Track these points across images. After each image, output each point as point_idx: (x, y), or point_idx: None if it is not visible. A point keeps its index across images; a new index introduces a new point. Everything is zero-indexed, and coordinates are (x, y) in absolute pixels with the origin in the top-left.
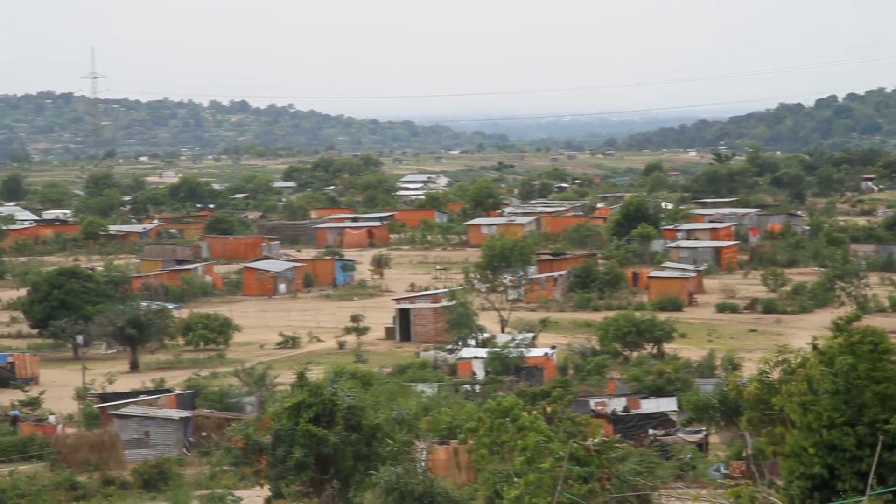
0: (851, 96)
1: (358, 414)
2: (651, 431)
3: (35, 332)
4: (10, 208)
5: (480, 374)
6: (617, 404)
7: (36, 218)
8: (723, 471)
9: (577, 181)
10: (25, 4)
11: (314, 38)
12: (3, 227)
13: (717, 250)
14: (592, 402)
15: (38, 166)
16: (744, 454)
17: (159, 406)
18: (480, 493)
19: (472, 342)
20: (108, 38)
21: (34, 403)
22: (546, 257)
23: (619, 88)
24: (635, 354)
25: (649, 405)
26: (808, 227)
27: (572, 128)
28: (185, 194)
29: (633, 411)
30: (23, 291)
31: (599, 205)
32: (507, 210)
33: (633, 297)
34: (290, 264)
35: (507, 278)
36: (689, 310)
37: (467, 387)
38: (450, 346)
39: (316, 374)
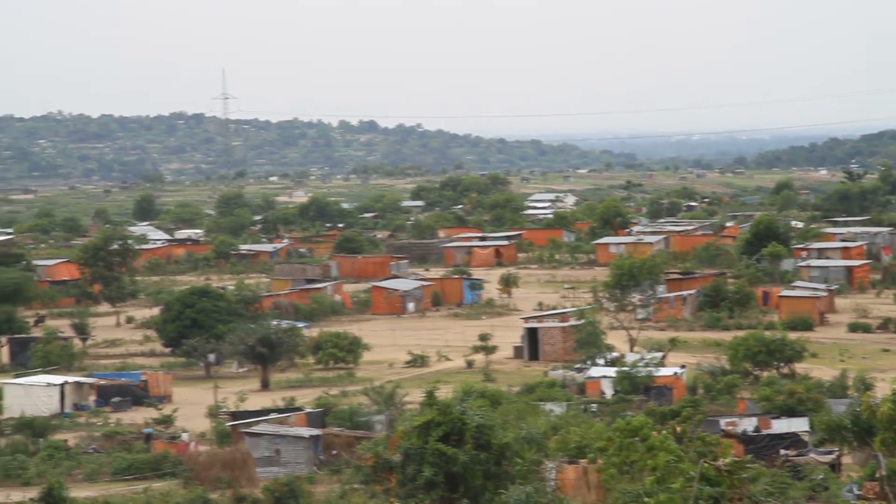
0: None
1: (487, 433)
2: (783, 452)
3: (168, 350)
4: (143, 228)
5: (609, 394)
6: (747, 424)
7: (168, 237)
8: (856, 492)
9: (706, 200)
10: (158, 28)
11: (442, 61)
12: (137, 247)
13: (849, 269)
14: (722, 422)
15: (170, 186)
16: (877, 475)
17: (290, 424)
18: None
19: (601, 361)
20: (239, 59)
21: (167, 421)
22: (675, 276)
23: (748, 107)
24: (766, 374)
25: (780, 425)
26: None
27: (701, 146)
28: (314, 213)
29: (764, 431)
30: (155, 310)
31: (729, 223)
32: (635, 229)
33: (763, 317)
34: (419, 283)
35: (635, 297)
36: (820, 329)
37: (594, 406)
38: (578, 365)
39: (444, 392)
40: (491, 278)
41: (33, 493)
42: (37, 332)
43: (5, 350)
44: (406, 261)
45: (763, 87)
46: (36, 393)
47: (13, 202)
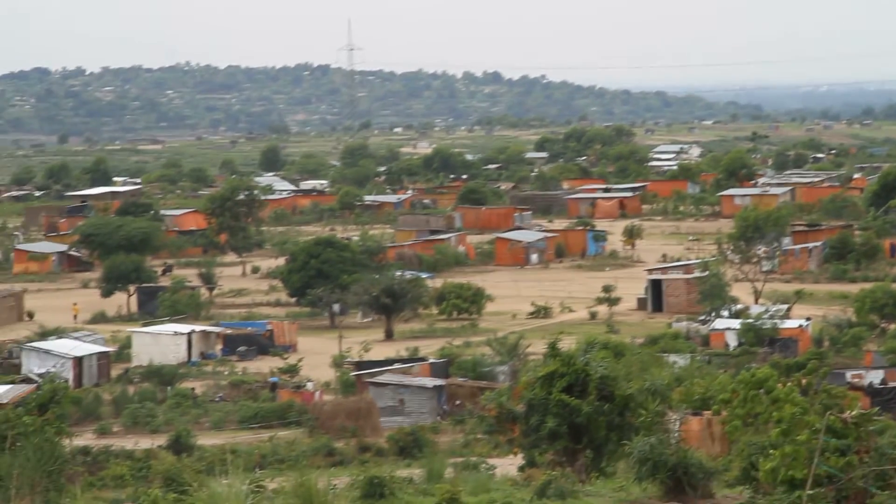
0: None
1: (610, 384)
2: None
3: (293, 300)
4: (268, 178)
5: (733, 345)
6: (874, 377)
7: (294, 188)
8: None
9: (832, 151)
10: None
11: (566, 11)
12: (263, 198)
13: None
14: (848, 375)
15: (295, 137)
16: None
17: (414, 374)
18: (735, 464)
19: (725, 313)
20: (364, 10)
21: (292, 371)
22: (801, 228)
23: (877, 57)
24: (892, 326)
25: None
26: None
27: (828, 97)
28: (438, 165)
29: (891, 384)
30: (281, 260)
31: (856, 175)
32: (761, 181)
33: (890, 269)
34: (542, 235)
35: (760, 249)
36: None
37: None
38: (702, 317)
39: (568, 343)
40: (614, 230)
41: (161, 440)
42: (164, 282)
43: (134, 299)
44: (529, 212)
45: (893, 36)
46: (164, 342)
47: (141, 152)
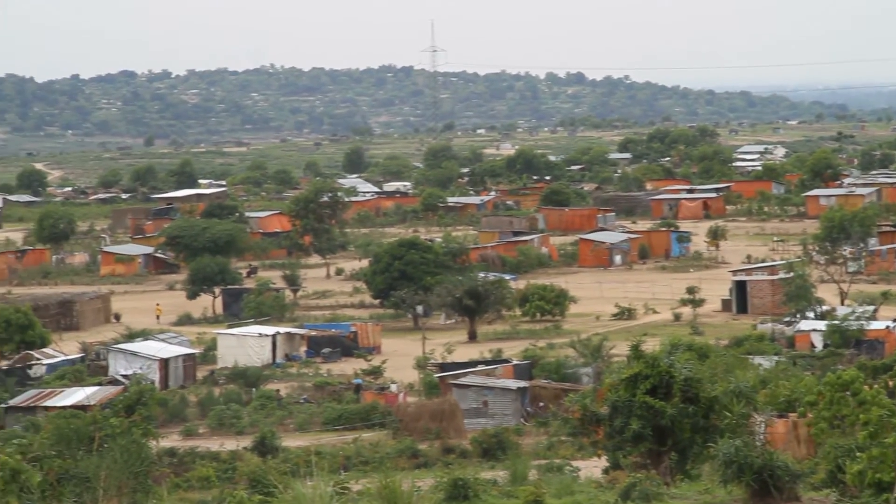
0: None
1: (695, 386)
2: None
3: (377, 302)
4: (352, 180)
5: (819, 347)
6: None
7: (377, 190)
8: None
9: None
10: None
11: (649, 12)
12: (346, 199)
13: None
14: None
15: (379, 139)
16: None
17: (497, 376)
18: (821, 467)
19: (811, 314)
20: (447, 11)
21: (376, 372)
22: (887, 229)
23: None
24: None
25: None
26: None
27: None
28: (521, 166)
29: None
30: (364, 262)
31: None
32: (846, 181)
33: None
34: (626, 236)
35: (846, 250)
36: None
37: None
38: (787, 319)
39: (651, 345)
40: (698, 231)
41: (247, 441)
42: (249, 284)
43: (219, 301)
44: (613, 213)
45: None
46: (249, 343)
47: (226, 155)
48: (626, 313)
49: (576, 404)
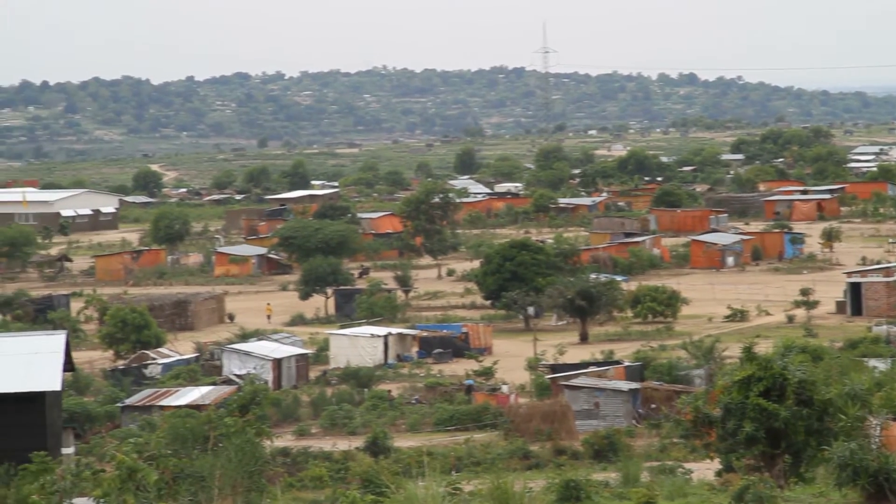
0: None
1: (809, 388)
2: None
3: (488, 303)
4: (463, 181)
5: None
6: None
7: (488, 191)
8: None
9: None
10: None
11: (761, 11)
12: (458, 200)
13: None
14: None
15: (490, 140)
16: None
17: (609, 377)
18: None
19: None
20: (559, 12)
21: (487, 373)
22: None
23: None
24: None
25: None
26: None
27: None
28: (633, 167)
29: None
30: (476, 263)
31: None
32: None
33: None
34: (738, 237)
35: None
36: None
37: None
38: None
39: (764, 347)
40: (812, 232)
41: (359, 441)
42: (361, 284)
43: (331, 301)
44: (725, 214)
45: None
46: (361, 344)
47: (339, 156)
48: (738, 315)
49: (688, 406)
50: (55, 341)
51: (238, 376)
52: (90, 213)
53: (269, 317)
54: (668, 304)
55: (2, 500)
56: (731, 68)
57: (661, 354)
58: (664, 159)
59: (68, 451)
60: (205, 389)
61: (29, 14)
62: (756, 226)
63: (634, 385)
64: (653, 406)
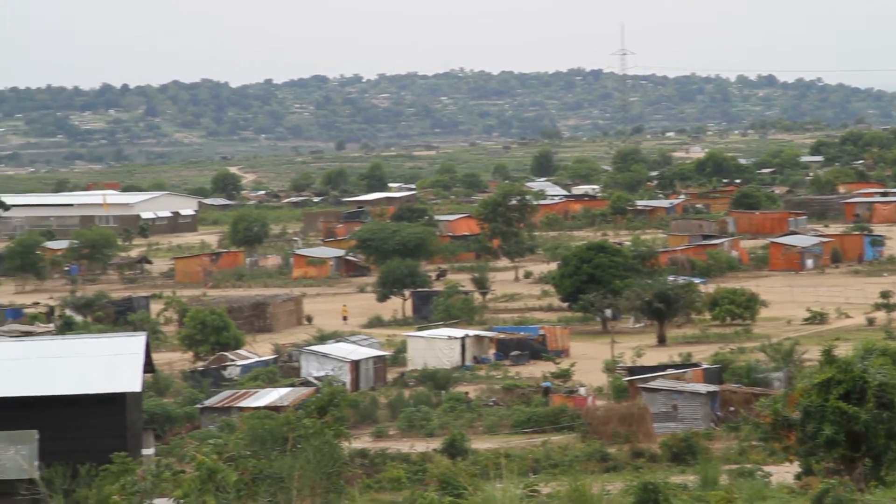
0: None
1: (890, 391)
2: None
3: (565, 305)
4: (540, 184)
5: None
6: None
7: (566, 193)
8: None
9: None
10: None
11: (841, 11)
12: (535, 203)
13: None
14: None
15: (567, 142)
16: None
17: (687, 380)
18: None
19: None
20: (637, 14)
21: (565, 375)
22: None
23: None
24: None
25: None
26: None
27: None
28: (711, 169)
29: None
30: (553, 265)
31: None
32: None
33: None
34: (818, 239)
35: None
36: None
37: None
38: None
39: (844, 350)
40: (893, 235)
41: (436, 443)
42: (438, 286)
43: (408, 303)
44: (804, 217)
45: None
46: (438, 346)
47: (416, 158)
48: (818, 318)
49: (767, 409)
50: (135, 343)
51: (316, 378)
52: (170, 215)
53: (345, 318)
54: (747, 306)
55: (83, 500)
56: (811, 70)
57: (739, 357)
58: (743, 161)
59: (148, 452)
60: (283, 391)
61: (110, 19)
62: (835, 228)
63: (713, 388)
64: (731, 409)
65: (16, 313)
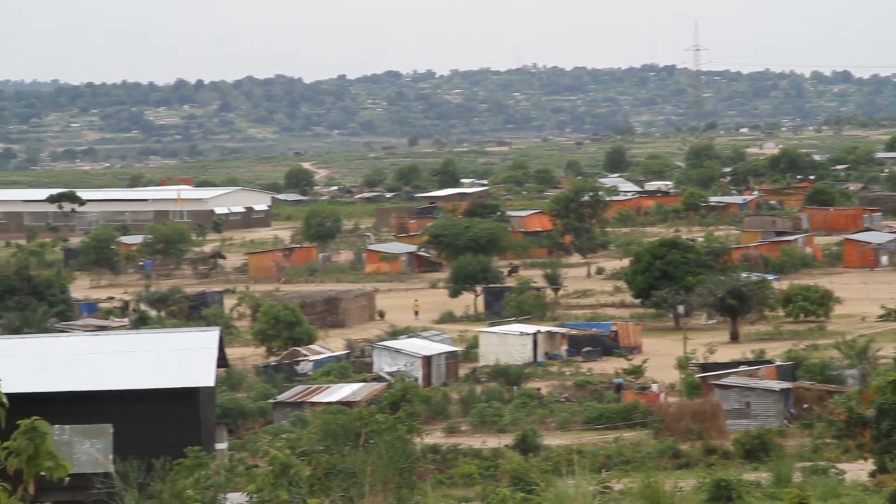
0: None
1: None
2: None
3: (637, 301)
4: (613, 180)
5: None
6: None
7: (638, 189)
8: None
9: None
10: None
11: None
12: (607, 199)
13: None
14: None
15: (640, 138)
16: None
17: (760, 377)
18: None
19: None
20: (711, 10)
21: (637, 372)
22: None
23: None
24: None
25: None
26: None
27: None
28: (785, 165)
29: None
30: (625, 262)
31: None
32: None
33: None
34: (893, 236)
35: None
36: None
37: None
38: None
39: None
40: None
41: (508, 439)
42: (510, 282)
43: (480, 299)
44: (879, 213)
45: None
46: (510, 341)
47: (488, 154)
48: (893, 315)
49: (841, 406)
50: (209, 337)
51: (388, 373)
52: (243, 210)
53: (416, 313)
54: (821, 303)
55: (158, 494)
56: (887, 65)
57: (813, 354)
58: (817, 157)
59: (221, 446)
60: (355, 386)
61: (184, 15)
62: None
63: (786, 385)
64: (805, 406)
65: (91, 308)
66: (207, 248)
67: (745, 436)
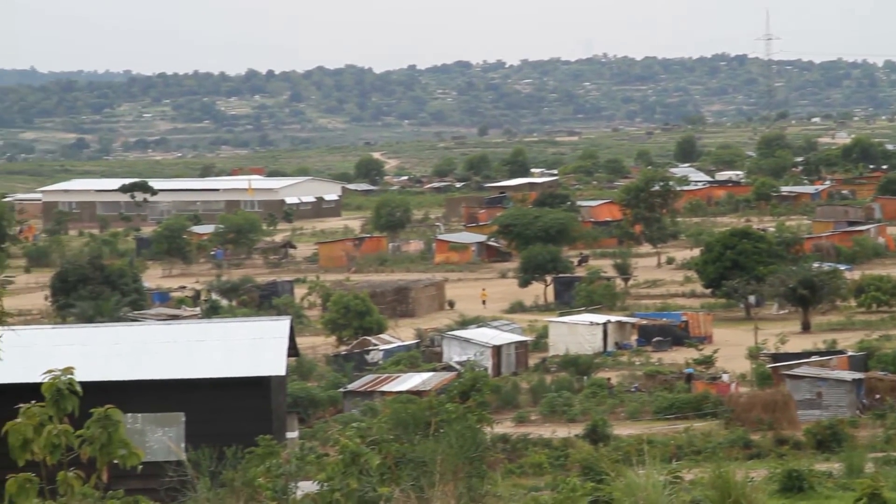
0: None
1: None
2: None
3: (708, 291)
4: (684, 169)
5: None
6: None
7: (709, 179)
8: None
9: None
10: None
11: None
12: (678, 188)
13: None
14: None
15: (711, 128)
16: None
17: (831, 367)
18: None
19: None
20: None
21: (707, 362)
22: None
23: None
24: None
25: None
26: None
27: None
28: (857, 155)
29: None
30: (696, 251)
31: None
32: None
33: None
34: None
35: None
36: None
37: None
38: None
39: None
40: None
41: (578, 429)
42: (580, 272)
43: (550, 289)
44: None
45: None
46: (580, 331)
47: (558, 144)
48: None
49: None
50: (280, 327)
51: (458, 363)
52: (313, 200)
53: (483, 302)
54: (893, 293)
55: (229, 482)
56: None
57: (885, 344)
58: (890, 147)
59: (293, 435)
60: (425, 375)
61: (256, 6)
62: None
63: (858, 375)
64: (877, 396)
65: (163, 297)
66: (278, 238)
67: (816, 426)
